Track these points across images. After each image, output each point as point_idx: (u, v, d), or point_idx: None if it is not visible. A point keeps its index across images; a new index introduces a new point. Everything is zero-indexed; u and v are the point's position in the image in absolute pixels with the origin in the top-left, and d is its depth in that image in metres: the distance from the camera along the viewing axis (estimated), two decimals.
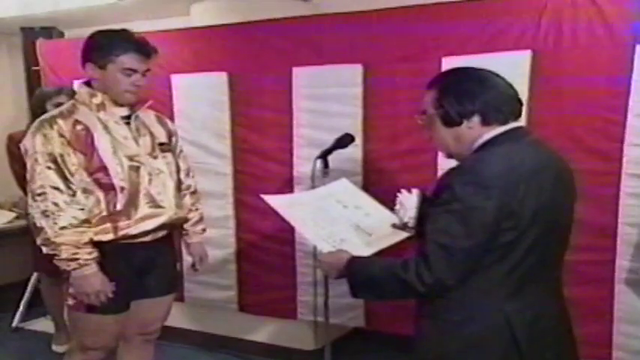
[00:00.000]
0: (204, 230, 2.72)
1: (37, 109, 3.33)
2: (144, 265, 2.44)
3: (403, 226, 1.94)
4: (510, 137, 1.67)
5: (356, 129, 3.02)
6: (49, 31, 4.37)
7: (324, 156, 2.61)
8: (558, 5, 2.63)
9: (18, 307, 4.16)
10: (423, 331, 1.74)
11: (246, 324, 3.67)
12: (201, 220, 2.70)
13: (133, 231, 2.34)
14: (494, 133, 1.67)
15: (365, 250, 1.89)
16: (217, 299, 3.64)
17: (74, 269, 2.25)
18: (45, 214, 2.23)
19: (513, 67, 2.67)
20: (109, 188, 2.31)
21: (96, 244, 2.29)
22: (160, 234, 2.45)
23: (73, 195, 2.26)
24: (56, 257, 2.25)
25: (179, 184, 2.55)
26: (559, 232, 1.71)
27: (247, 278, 3.54)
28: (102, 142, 2.31)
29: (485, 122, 1.67)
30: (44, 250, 2.27)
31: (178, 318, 3.58)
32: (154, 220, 2.38)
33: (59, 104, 2.61)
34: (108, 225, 2.31)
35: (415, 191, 1.94)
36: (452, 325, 1.65)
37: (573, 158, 2.65)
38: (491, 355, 1.63)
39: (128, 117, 2.40)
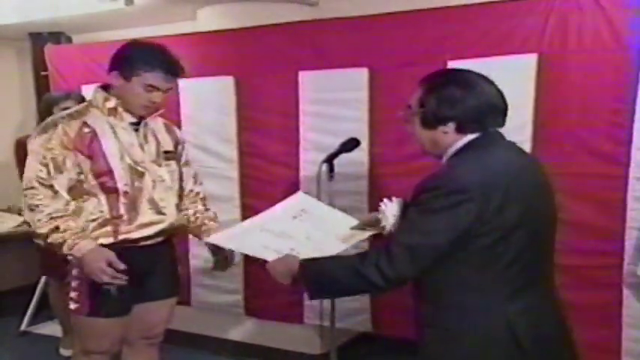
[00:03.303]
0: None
1: (44, 113, 3.34)
2: (145, 268, 2.43)
3: (387, 234, 1.94)
4: (485, 142, 1.66)
5: (362, 133, 3.01)
6: (57, 37, 4.39)
7: (329, 160, 2.61)
8: (564, 9, 2.62)
9: (26, 310, 4.17)
10: (425, 339, 1.72)
11: (253, 328, 3.67)
12: (215, 217, 2.66)
13: (134, 235, 2.35)
14: (468, 139, 1.67)
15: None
16: (224, 303, 3.65)
17: (70, 248, 2.22)
18: (30, 207, 2.25)
19: (519, 71, 2.68)
20: (112, 192, 2.31)
21: None
22: (160, 238, 2.45)
23: (58, 193, 2.25)
24: (52, 248, 2.24)
25: (181, 192, 2.55)
26: (546, 231, 1.71)
27: (254, 282, 3.54)
28: (109, 146, 2.32)
29: (460, 130, 1.67)
30: (39, 242, 2.26)
31: (185, 322, 3.57)
32: (155, 226, 2.39)
33: (66, 109, 2.62)
34: (109, 228, 2.31)
35: (396, 199, 1.96)
36: (453, 334, 1.63)
37: (580, 161, 2.66)
38: None
39: (137, 123, 2.41)
